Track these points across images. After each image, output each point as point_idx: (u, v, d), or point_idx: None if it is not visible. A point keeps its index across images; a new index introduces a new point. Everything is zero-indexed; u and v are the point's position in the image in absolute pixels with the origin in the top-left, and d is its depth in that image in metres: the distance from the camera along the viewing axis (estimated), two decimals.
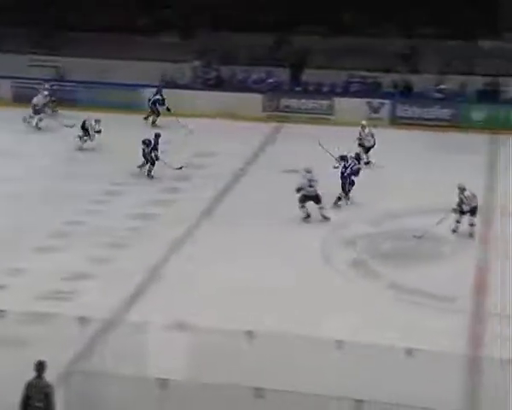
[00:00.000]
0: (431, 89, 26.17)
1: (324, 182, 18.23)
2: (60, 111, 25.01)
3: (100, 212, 18.42)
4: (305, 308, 13.87)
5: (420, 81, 26.29)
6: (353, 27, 27.08)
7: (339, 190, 18.88)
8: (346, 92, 26.74)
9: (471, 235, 17.25)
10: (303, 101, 26.36)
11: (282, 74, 27.42)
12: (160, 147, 20.56)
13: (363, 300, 14.48)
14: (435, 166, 20.87)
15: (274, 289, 14.42)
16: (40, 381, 10.18)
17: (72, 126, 22.99)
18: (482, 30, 26.16)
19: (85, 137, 22.63)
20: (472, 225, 17.24)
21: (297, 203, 18.04)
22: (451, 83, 25.99)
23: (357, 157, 19.76)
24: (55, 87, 25.81)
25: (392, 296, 14.78)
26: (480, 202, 17.53)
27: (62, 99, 25.61)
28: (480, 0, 26.15)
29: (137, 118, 24.72)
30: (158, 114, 24.80)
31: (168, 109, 24.58)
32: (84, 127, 22.64)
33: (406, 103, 25.82)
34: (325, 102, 26.20)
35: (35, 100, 24.46)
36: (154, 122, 24.69)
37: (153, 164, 20.45)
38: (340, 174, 19.04)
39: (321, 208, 18.11)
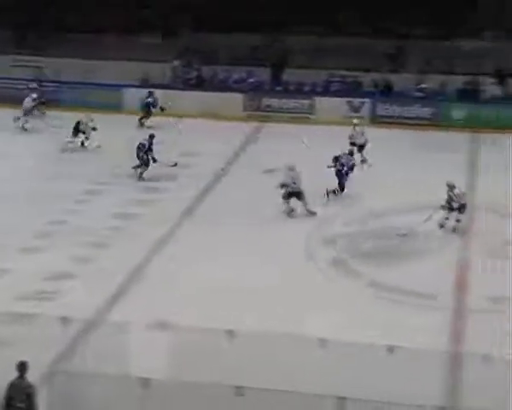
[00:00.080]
0: (411, 88, 26.32)
1: (307, 179, 18.30)
2: (47, 112, 24.98)
3: (82, 212, 18.41)
4: (286, 307, 13.88)
5: (400, 80, 26.43)
6: (336, 27, 27.16)
7: (322, 188, 18.91)
8: (326, 92, 26.84)
9: (455, 230, 17.36)
10: (284, 100, 26.44)
11: (263, 74, 27.47)
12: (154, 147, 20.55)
13: (344, 298, 14.51)
14: (416, 165, 20.95)
15: (255, 288, 14.43)
16: (22, 381, 10.14)
17: (59, 128, 22.96)
18: (462, 30, 26.33)
19: (80, 138, 22.60)
20: (458, 221, 17.36)
21: (281, 200, 18.15)
22: (431, 82, 26.14)
23: (351, 154, 19.88)
24: (43, 88, 25.76)
25: (372, 295, 14.82)
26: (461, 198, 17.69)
27: (46, 100, 25.53)
28: (459, 0, 26.31)
29: (118, 118, 24.68)
30: (148, 116, 24.77)
31: (162, 109, 24.60)
32: (77, 129, 22.61)
33: (387, 102, 25.95)
34: (306, 102, 26.27)
35: (25, 102, 24.46)
36: (142, 122, 24.68)
37: (146, 165, 20.40)
38: (336, 172, 19.16)
39: (305, 204, 18.19)
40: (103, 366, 10.95)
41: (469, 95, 25.78)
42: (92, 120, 22.69)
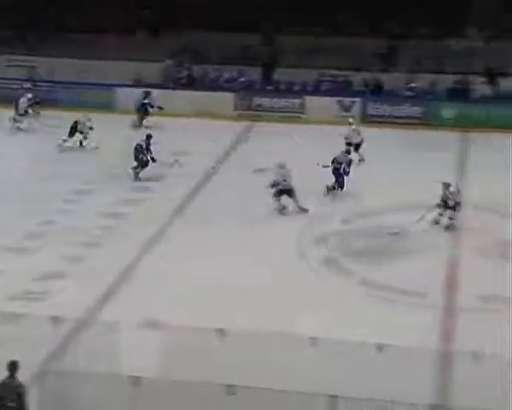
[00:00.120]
0: (402, 87, 26.39)
1: (298, 178, 18.36)
2: (42, 112, 24.96)
3: (73, 211, 18.38)
4: (277, 306, 13.88)
5: (390, 80, 26.50)
6: (327, 27, 27.22)
7: (313, 186, 18.97)
8: (317, 91, 26.89)
9: (448, 228, 17.44)
10: (275, 100, 26.50)
11: (254, 73, 27.50)
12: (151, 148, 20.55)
13: (335, 297, 14.52)
14: (407, 164, 21.03)
15: (246, 287, 14.43)
16: (13, 381, 10.13)
17: (55, 127, 22.94)
18: (452, 29, 26.43)
19: (77, 138, 22.59)
20: (452, 219, 17.44)
21: (272, 198, 18.21)
22: (421, 81, 26.22)
23: (348, 152, 19.93)
24: (37, 88, 25.73)
25: (364, 293, 14.86)
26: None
27: (40, 99, 25.52)
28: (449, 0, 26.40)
29: (111, 117, 24.69)
30: (146, 116, 24.75)
31: (160, 108, 24.59)
32: (75, 128, 22.59)
33: (377, 102, 26.02)
34: (296, 101, 26.33)
35: (20, 102, 24.45)
36: (141, 123, 24.67)
37: (144, 166, 20.36)
38: (333, 170, 19.24)
39: (296, 201, 18.23)
40: (94, 366, 10.92)
41: (459, 94, 25.88)
42: (89, 120, 22.68)
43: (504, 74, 25.86)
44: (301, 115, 26.08)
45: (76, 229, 17.27)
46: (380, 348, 11.12)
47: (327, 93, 26.61)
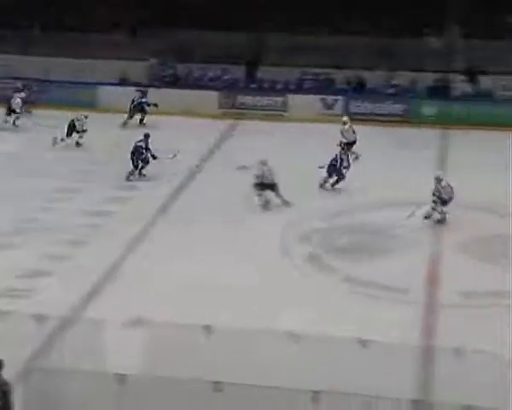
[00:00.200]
0: (383, 85, 26.55)
1: (281, 176, 18.51)
2: (33, 111, 24.99)
3: (57, 209, 18.37)
4: (261, 303, 13.95)
5: (372, 78, 26.63)
6: (310, 25, 27.32)
7: (297, 183, 19.10)
8: (299, 89, 26.99)
9: (439, 222, 17.62)
10: (258, 98, 26.56)
11: (238, 72, 27.57)
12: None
13: (319, 294, 14.62)
14: (389, 161, 21.13)
15: (230, 285, 14.50)
16: None
17: (52, 127, 22.97)
18: (430, 27, 26.60)
19: (74, 137, 22.61)
20: (442, 213, 17.62)
21: (255, 193, 18.37)
22: (402, 79, 26.40)
23: (343, 149, 20.15)
24: (30, 88, 25.69)
25: (347, 290, 14.97)
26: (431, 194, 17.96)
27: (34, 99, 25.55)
28: None
29: (93, 116, 24.63)
30: (144, 115, 24.75)
31: (155, 105, 24.61)
32: (73, 127, 22.58)
33: (359, 99, 26.14)
34: (279, 99, 26.42)
35: (14, 102, 24.43)
36: (125, 123, 24.71)
37: (147, 163, 20.35)
38: (330, 166, 19.44)
39: (279, 196, 18.35)
40: (79, 363, 10.92)
41: (440, 92, 26.05)
42: (86, 117, 22.65)
43: (484, 72, 26.08)
44: (284, 113, 26.17)
45: (61, 227, 17.28)
46: (363, 343, 11.20)
47: (309, 91, 26.73)
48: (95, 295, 14.43)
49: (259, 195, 18.45)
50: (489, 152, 21.44)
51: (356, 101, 26.09)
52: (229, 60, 27.36)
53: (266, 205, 18.45)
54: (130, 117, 24.81)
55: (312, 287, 14.99)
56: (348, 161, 19.72)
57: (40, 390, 10.62)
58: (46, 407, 10.71)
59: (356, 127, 22.05)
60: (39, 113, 24.73)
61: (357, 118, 25.28)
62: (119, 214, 18.22)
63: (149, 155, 20.32)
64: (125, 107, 24.99)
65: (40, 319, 11.92)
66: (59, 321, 12.87)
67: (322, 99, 26.11)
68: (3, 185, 19.52)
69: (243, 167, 19.94)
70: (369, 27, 26.86)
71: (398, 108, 25.82)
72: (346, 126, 21.83)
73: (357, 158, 21.22)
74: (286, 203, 18.45)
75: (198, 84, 27.18)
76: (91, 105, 25.74)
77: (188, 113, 25.13)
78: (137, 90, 25.18)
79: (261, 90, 27.04)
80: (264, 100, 26.50)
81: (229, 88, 27.00)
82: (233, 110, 26.41)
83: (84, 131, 22.66)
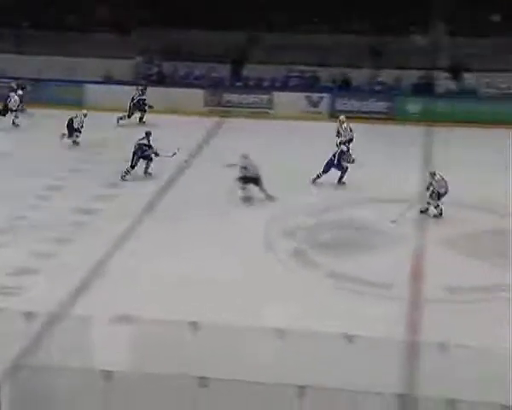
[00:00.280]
0: (369, 82, 26.67)
1: (267, 173, 18.63)
2: (28, 110, 24.96)
3: (45, 207, 18.42)
4: (247, 299, 14.04)
5: (358, 76, 26.75)
6: (296, 24, 27.43)
7: (282, 178, 19.21)
8: (285, 87, 27.08)
9: (435, 216, 17.78)
10: (243, 96, 26.65)
11: (223, 70, 27.63)
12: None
13: (303, 289, 14.73)
14: (374, 158, 21.20)
15: (216, 282, 14.57)
16: None
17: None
18: (416, 25, 26.75)
19: (75, 135, 22.64)
20: (437, 207, 17.79)
21: (238, 186, 18.46)
22: (387, 77, 26.52)
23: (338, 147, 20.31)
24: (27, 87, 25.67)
25: (331, 285, 15.06)
26: (416, 191, 18.05)
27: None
28: None
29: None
30: (144, 113, 24.80)
31: (150, 106, 24.69)
32: (72, 126, 22.59)
33: (345, 97, 26.24)
34: (265, 97, 26.51)
35: (11, 102, 24.43)
36: (120, 118, 24.69)
37: (150, 160, 20.36)
38: (328, 163, 19.61)
39: (263, 190, 18.46)
40: (67, 360, 10.97)
41: (424, 89, 26.21)
42: (85, 116, 22.67)
43: (468, 70, 26.26)
44: (269, 111, 26.26)
45: (49, 225, 17.31)
46: (348, 339, 11.28)
47: (295, 89, 26.83)
48: (82, 293, 14.42)
49: (243, 188, 18.56)
50: (473, 149, 21.63)
51: (341, 98, 26.21)
52: (214, 58, 27.43)
53: (248, 200, 18.53)
54: (129, 115, 24.79)
55: (297, 282, 15.09)
56: (349, 155, 19.83)
57: (27, 387, 10.66)
58: (33, 403, 10.72)
59: None
60: (33, 112, 24.67)
61: None
62: (106, 211, 18.25)
63: (152, 152, 20.30)
64: (111, 105, 25.01)
65: (28, 316, 11.95)
66: (46, 318, 12.89)
67: (308, 97, 26.22)
68: None
69: (231, 165, 20.00)
70: (355, 26, 27.00)
71: (382, 105, 25.98)
72: (344, 125, 21.91)
73: (353, 161, 21.27)
74: (269, 198, 18.57)
75: (184, 83, 27.24)
76: (78, 104, 25.74)
77: (174, 111, 25.15)
78: (137, 88, 25.17)
79: (247, 87, 27.14)
80: (250, 98, 26.59)
81: (215, 86, 27.09)
82: (219, 108, 26.48)
83: (79, 129, 22.64)
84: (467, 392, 10.25)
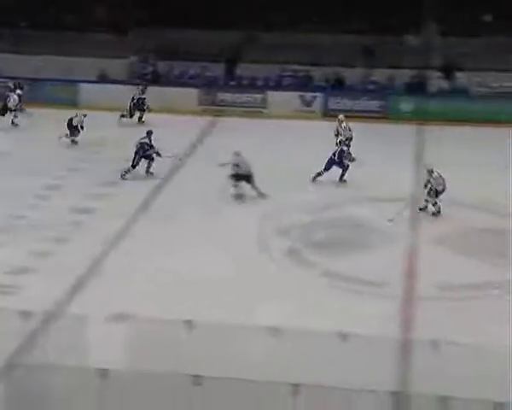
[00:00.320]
0: (362, 81, 26.76)
1: (260, 172, 18.73)
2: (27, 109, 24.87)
3: (42, 207, 18.45)
4: (242, 298, 14.10)
5: (351, 75, 26.84)
6: (289, 23, 27.50)
7: (277, 177, 19.32)
8: (278, 86, 27.15)
9: (434, 214, 17.88)
10: (237, 95, 26.70)
11: (217, 69, 27.69)
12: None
13: (298, 288, 14.77)
14: (367, 157, 21.23)
15: (211, 280, 14.63)
16: None
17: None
18: (408, 26, 26.86)
19: (74, 135, 22.68)
20: (435, 204, 17.87)
21: (231, 184, 18.57)
22: (379, 76, 26.62)
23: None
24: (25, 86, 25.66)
25: (326, 284, 15.11)
26: (409, 189, 18.16)
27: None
28: None
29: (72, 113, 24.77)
30: (144, 112, 24.85)
31: (148, 108, 24.74)
32: (72, 125, 22.62)
33: (338, 96, 26.32)
34: (259, 96, 26.56)
35: (10, 101, 24.44)
36: (122, 116, 24.72)
37: (152, 160, 20.36)
38: (329, 161, 19.71)
39: (255, 187, 18.55)
40: (63, 359, 11.03)
41: (417, 88, 26.32)
42: (85, 116, 22.70)
43: (460, 69, 26.37)
44: (263, 110, 26.33)
45: (46, 224, 17.34)
46: (343, 337, 11.34)
47: (288, 88, 26.90)
48: (78, 292, 14.49)
49: (235, 186, 18.64)
50: (465, 147, 21.71)
51: (334, 97, 26.27)
52: (208, 57, 27.45)
53: (240, 197, 18.60)
54: (131, 115, 24.81)
55: (291, 281, 15.14)
56: (350, 153, 19.93)
57: (23, 386, 10.70)
58: (29, 402, 10.74)
59: (334, 124, 22.22)
60: (31, 111, 24.68)
61: (335, 114, 25.43)
62: (102, 211, 18.25)
63: (153, 152, 20.31)
64: (106, 104, 25.06)
65: (24, 315, 12.00)
66: (42, 317, 12.95)
67: (301, 96, 26.29)
68: None
69: (224, 164, 20.04)
70: (348, 25, 27.06)
71: (375, 104, 26.05)
72: (344, 124, 21.98)
73: (353, 160, 21.36)
74: (261, 195, 18.65)
75: (178, 82, 27.27)
76: (74, 103, 25.79)
77: (168, 110, 25.19)
78: (137, 88, 25.20)
79: (241, 87, 27.18)
80: (244, 97, 26.64)
81: (209, 85, 27.13)
82: (213, 107, 26.52)
83: (79, 128, 22.67)
84: (459, 389, 10.32)
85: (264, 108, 26.35)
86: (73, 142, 22.83)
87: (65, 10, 28.32)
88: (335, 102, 26.13)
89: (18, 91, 24.76)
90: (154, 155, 20.31)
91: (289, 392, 10.19)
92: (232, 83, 27.47)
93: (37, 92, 26.10)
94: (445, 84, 26.47)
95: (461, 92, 26.16)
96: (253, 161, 18.86)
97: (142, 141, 20.33)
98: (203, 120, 25.25)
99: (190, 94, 26.48)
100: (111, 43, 27.36)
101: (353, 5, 26.68)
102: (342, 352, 11.36)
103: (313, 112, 25.92)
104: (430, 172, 17.90)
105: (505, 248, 16.21)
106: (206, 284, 14.54)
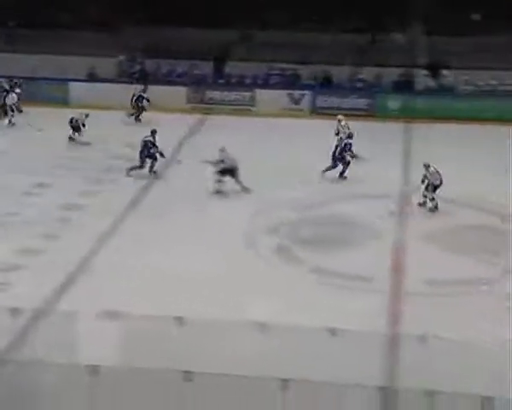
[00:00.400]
0: (350, 79, 26.87)
1: (249, 170, 18.80)
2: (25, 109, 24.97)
3: (32, 204, 18.48)
4: (231, 294, 14.17)
5: (339, 73, 26.93)
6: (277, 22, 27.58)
7: (265, 174, 19.40)
8: (266, 84, 27.22)
9: (431, 210, 17.98)
10: (226, 93, 26.76)
11: (206, 67, 27.74)
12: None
13: (287, 284, 14.85)
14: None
15: (200, 276, 14.70)
16: None
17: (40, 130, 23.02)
18: (394, 24, 26.99)
19: (76, 134, 22.72)
20: (433, 199, 17.98)
21: (215, 178, 18.71)
22: (367, 74, 26.74)
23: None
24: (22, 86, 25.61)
25: (314, 280, 15.18)
26: (397, 187, 18.27)
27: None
28: None
29: (65, 112, 24.74)
30: (142, 111, 24.93)
31: (143, 108, 24.81)
32: (74, 125, 22.66)
33: (326, 94, 26.42)
34: (247, 94, 26.63)
35: (9, 100, 24.42)
36: (133, 115, 24.85)
37: (155, 159, 20.36)
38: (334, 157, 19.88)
39: (239, 182, 18.67)
40: (53, 355, 11.02)
41: (404, 86, 26.46)
42: (87, 116, 22.73)
43: (447, 67, 26.53)
44: (252, 108, 26.39)
45: (36, 221, 17.37)
46: (332, 332, 11.39)
47: (277, 86, 26.98)
48: (67, 289, 14.53)
49: (219, 181, 18.71)
50: (451, 145, 21.85)
51: (322, 96, 26.39)
52: (197, 55, 27.49)
53: (221, 192, 18.71)
54: (133, 114, 24.87)
55: (280, 277, 15.22)
56: (352, 150, 20.04)
57: (13, 382, 10.69)
58: (19, 398, 10.73)
59: (322, 122, 22.33)
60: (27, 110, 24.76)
61: (323, 112, 25.69)
62: (92, 208, 18.31)
63: (156, 151, 20.29)
64: (95, 103, 25.05)
65: (14, 312, 12.02)
66: (32, 314, 12.97)
67: (290, 94, 26.38)
68: None
69: (213, 162, 20.12)
70: (335, 24, 27.15)
71: (363, 102, 26.17)
72: (342, 123, 22.07)
73: (354, 157, 21.46)
74: (245, 189, 18.76)
75: (166, 80, 27.31)
76: (65, 102, 25.77)
77: (157, 108, 25.21)
78: (138, 85, 25.20)
79: (229, 85, 27.24)
80: (232, 95, 26.71)
81: (197, 83, 27.17)
82: (201, 105, 26.58)
83: (80, 127, 22.69)
84: (447, 384, 10.38)
85: (252, 106, 26.42)
86: (71, 139, 22.87)
87: (59, 9, 28.26)
88: (323, 100, 26.25)
89: (17, 90, 24.75)
90: (158, 156, 20.30)
91: (279, 387, 10.23)
92: (221, 81, 27.54)
93: (32, 91, 26.02)
94: (431, 83, 26.64)
95: (447, 90, 26.33)
96: (241, 158, 18.95)
97: (146, 139, 20.35)
98: (192, 118, 25.32)
99: (179, 92, 26.53)
100: (101, 42, 27.34)
101: (341, 5, 26.75)
102: (331, 347, 11.41)
103: (301, 110, 26.02)
104: (427, 167, 18.03)
105: (492, 244, 16.36)
106: (195, 280, 14.59)
